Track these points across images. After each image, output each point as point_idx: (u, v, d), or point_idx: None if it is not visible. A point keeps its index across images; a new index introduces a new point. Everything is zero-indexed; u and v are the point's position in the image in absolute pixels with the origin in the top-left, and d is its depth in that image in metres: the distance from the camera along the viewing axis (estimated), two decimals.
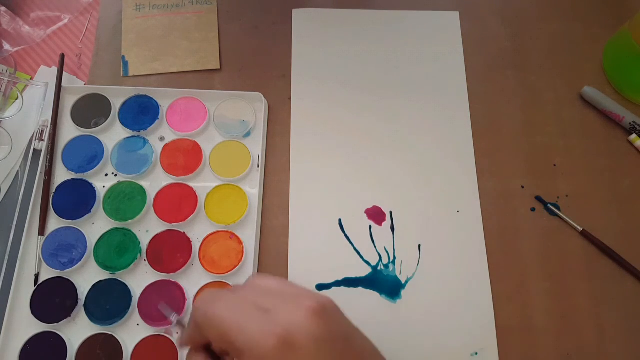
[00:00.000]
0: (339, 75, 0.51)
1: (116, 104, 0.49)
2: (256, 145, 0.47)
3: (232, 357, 0.29)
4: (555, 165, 0.48)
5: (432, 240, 0.45)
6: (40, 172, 0.46)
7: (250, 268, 0.43)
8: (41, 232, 0.44)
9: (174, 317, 0.39)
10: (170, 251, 0.43)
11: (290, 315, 0.26)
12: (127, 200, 0.45)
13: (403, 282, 0.44)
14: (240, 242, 0.44)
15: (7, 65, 0.52)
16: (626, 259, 0.44)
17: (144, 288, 0.42)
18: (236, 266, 0.43)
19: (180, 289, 0.42)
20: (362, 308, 0.43)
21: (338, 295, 0.43)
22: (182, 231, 0.44)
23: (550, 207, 0.47)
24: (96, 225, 0.45)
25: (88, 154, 0.47)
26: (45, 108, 0.49)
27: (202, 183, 0.46)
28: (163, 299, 0.42)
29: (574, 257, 0.45)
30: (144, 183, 0.46)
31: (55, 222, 0.45)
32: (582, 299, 0.44)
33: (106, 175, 0.47)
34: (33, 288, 0.42)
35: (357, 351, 0.28)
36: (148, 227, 0.45)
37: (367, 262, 0.45)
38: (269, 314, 0.26)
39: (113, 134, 0.48)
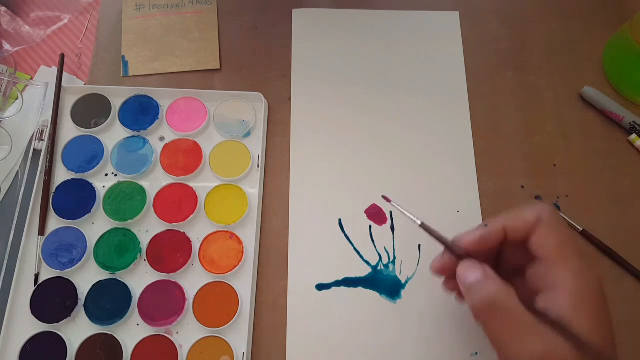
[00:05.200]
0: (339, 75, 0.51)
1: (116, 104, 0.49)
2: (256, 145, 0.47)
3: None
4: (555, 165, 0.48)
5: (432, 240, 0.45)
6: (40, 172, 0.46)
7: (250, 268, 0.43)
8: (41, 232, 0.44)
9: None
10: (170, 251, 0.43)
11: (596, 272, 0.31)
12: (127, 200, 0.45)
13: (403, 282, 0.44)
14: (240, 242, 0.44)
15: (7, 65, 0.52)
16: (626, 259, 0.44)
17: (144, 288, 0.42)
18: (236, 266, 0.43)
19: (180, 289, 0.42)
20: (362, 308, 0.43)
21: (338, 295, 0.43)
22: (182, 231, 0.44)
23: None
24: (96, 225, 0.45)
25: (88, 154, 0.47)
26: (45, 108, 0.49)
27: (202, 183, 0.46)
28: (163, 299, 0.42)
29: None
30: (144, 183, 0.46)
31: (55, 222, 0.45)
32: None
33: (106, 175, 0.47)
34: (33, 288, 0.42)
35: None
36: (148, 227, 0.45)
37: (367, 262, 0.45)
38: None
39: (113, 134, 0.48)
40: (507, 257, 0.35)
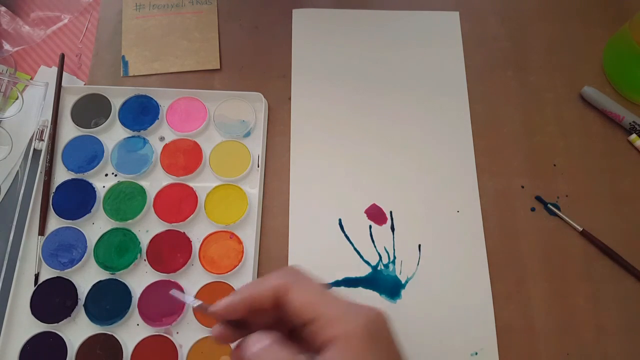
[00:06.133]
0: (339, 75, 0.51)
1: (116, 104, 0.49)
2: (256, 145, 0.47)
3: (305, 330, 0.28)
4: (555, 165, 0.48)
5: (432, 240, 0.45)
6: (40, 172, 0.46)
7: (250, 268, 0.43)
8: (41, 232, 0.44)
9: (192, 301, 0.33)
10: (170, 251, 0.43)
11: (367, 310, 0.28)
12: (127, 200, 0.45)
13: (403, 282, 0.44)
14: (240, 242, 0.44)
15: (7, 65, 0.52)
16: (626, 259, 0.44)
17: (144, 288, 0.42)
18: (236, 266, 0.43)
19: (180, 289, 0.42)
20: None
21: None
22: (182, 231, 0.44)
23: (550, 207, 0.47)
24: (96, 225, 0.45)
25: (88, 154, 0.47)
26: (45, 108, 0.49)
27: (202, 183, 0.46)
28: (163, 299, 0.42)
29: (573, 257, 0.45)
30: (144, 183, 0.46)
31: (55, 222, 0.45)
32: (582, 299, 0.44)
33: (106, 175, 0.47)
34: (33, 288, 0.42)
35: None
36: (148, 227, 0.45)
37: (367, 262, 0.45)
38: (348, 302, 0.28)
39: (113, 134, 0.48)
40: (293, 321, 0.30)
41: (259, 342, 0.28)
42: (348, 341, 0.26)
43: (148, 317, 0.42)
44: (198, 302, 0.31)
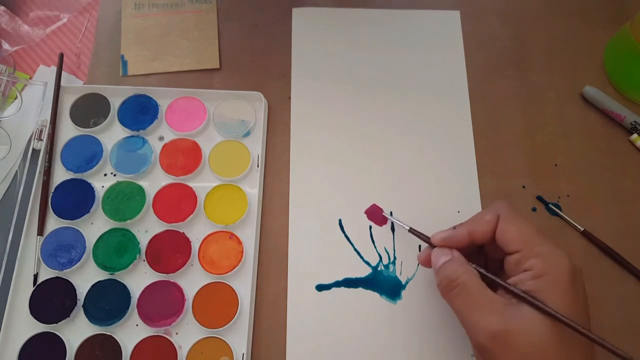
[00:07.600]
0: (339, 75, 0.51)
1: (115, 103, 0.48)
2: (256, 145, 0.47)
3: (514, 263, 0.34)
4: (556, 165, 0.48)
5: None
6: (39, 172, 0.46)
7: (250, 268, 0.43)
8: (40, 232, 0.44)
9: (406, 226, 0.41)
10: (170, 251, 0.43)
11: (567, 256, 0.33)
12: (126, 200, 0.45)
13: (403, 282, 0.44)
14: (239, 242, 0.44)
15: (6, 65, 0.51)
16: (627, 259, 0.44)
17: (143, 288, 0.42)
18: (236, 266, 0.43)
19: (179, 289, 0.42)
20: (362, 308, 0.43)
21: (338, 296, 0.43)
22: (181, 231, 0.44)
23: (552, 207, 0.46)
24: (95, 226, 0.45)
25: (87, 153, 0.47)
26: (44, 107, 0.49)
27: (202, 183, 0.46)
28: (162, 300, 0.42)
29: (574, 257, 0.44)
30: (143, 183, 0.46)
31: (54, 222, 0.45)
32: None
33: (105, 175, 0.46)
34: (32, 288, 0.42)
35: None
36: (147, 227, 0.45)
37: (367, 263, 0.44)
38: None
39: (112, 133, 0.48)
40: (490, 253, 0.38)
41: (443, 256, 0.36)
42: (557, 277, 0.32)
43: (147, 317, 0.41)
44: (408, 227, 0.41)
